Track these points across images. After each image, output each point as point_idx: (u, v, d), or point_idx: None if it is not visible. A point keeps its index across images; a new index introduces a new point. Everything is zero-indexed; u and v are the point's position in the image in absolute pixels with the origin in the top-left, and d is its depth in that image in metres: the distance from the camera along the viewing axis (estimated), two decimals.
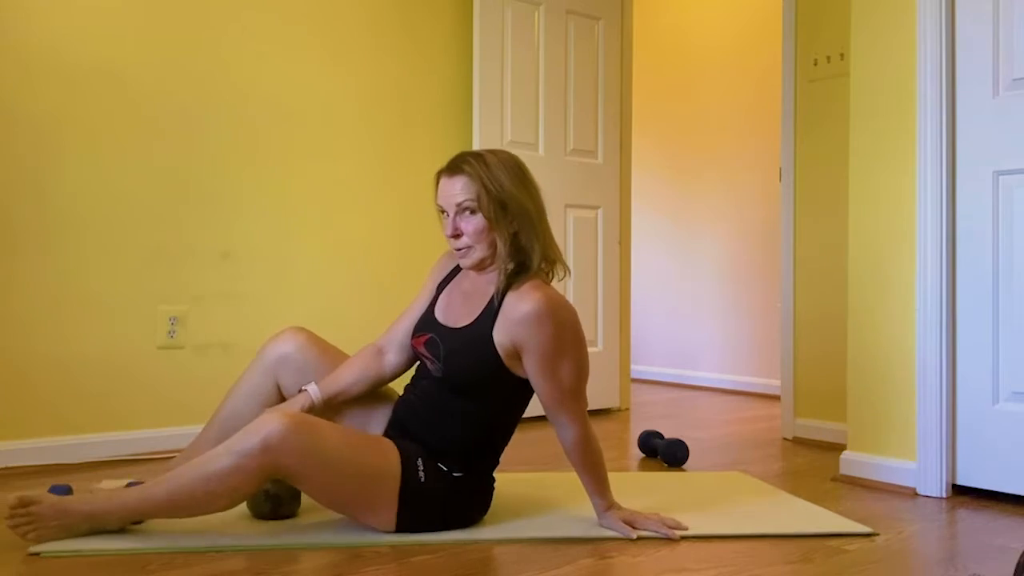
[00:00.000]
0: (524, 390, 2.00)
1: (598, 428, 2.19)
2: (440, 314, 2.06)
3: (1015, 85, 2.38)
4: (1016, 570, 1.46)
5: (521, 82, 3.64)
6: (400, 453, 1.92)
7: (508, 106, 3.60)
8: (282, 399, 2.13)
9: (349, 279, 3.30)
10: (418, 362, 2.10)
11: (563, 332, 1.92)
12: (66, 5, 2.75)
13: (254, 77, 3.09)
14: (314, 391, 2.03)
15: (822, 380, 3.30)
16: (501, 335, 1.92)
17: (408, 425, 2.01)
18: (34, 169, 2.70)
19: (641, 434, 3.07)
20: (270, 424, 1.76)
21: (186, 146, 2.96)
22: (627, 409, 4.07)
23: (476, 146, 3.48)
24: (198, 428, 2.26)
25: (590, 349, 2.92)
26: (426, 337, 2.03)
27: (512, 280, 1.94)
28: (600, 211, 3.91)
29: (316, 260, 3.23)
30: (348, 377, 2.08)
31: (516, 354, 1.93)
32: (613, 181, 3.97)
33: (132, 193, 2.86)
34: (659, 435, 3.03)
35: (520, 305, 1.90)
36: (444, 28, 3.57)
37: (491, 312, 1.95)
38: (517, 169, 1.99)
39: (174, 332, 2.92)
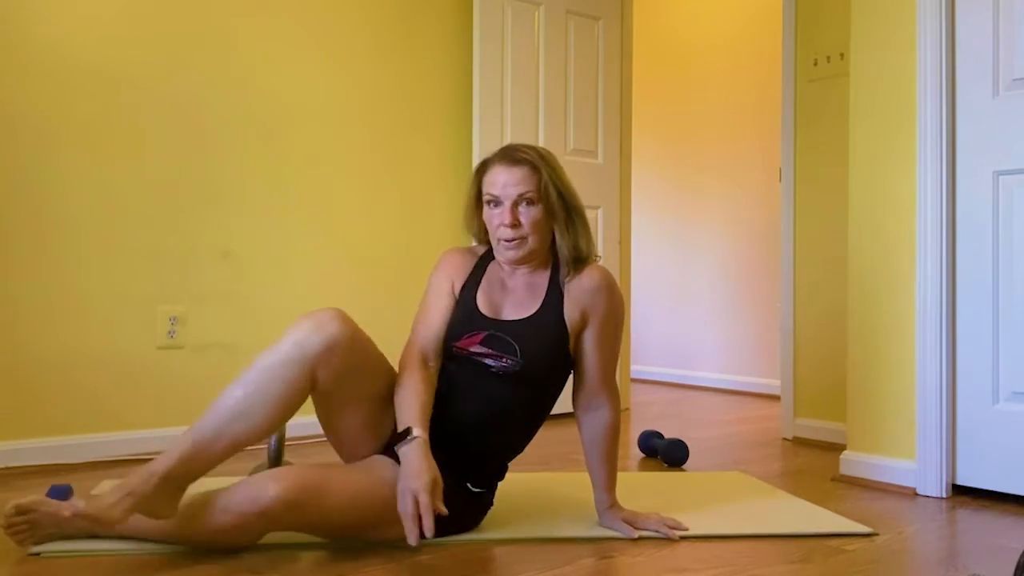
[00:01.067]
0: (567, 377, 2.06)
1: None
2: (488, 311, 1.99)
3: (1015, 85, 2.38)
4: (1016, 570, 1.46)
5: (521, 82, 3.64)
6: None
7: (508, 106, 3.60)
8: (302, 393, 1.78)
9: (349, 279, 3.30)
10: (453, 367, 1.98)
11: (621, 307, 2.03)
12: (65, 7, 2.75)
13: (254, 77, 3.09)
14: (422, 434, 1.79)
15: (822, 380, 3.30)
16: (571, 309, 1.97)
17: (459, 436, 1.91)
18: (33, 169, 2.70)
19: (641, 434, 3.07)
20: (270, 492, 1.69)
21: (186, 147, 2.96)
22: (627, 409, 4.07)
23: (476, 146, 3.49)
24: None
25: None
26: (482, 335, 1.94)
27: (575, 266, 1.99)
28: (600, 211, 3.91)
29: (316, 260, 3.23)
30: (428, 402, 1.88)
31: (582, 327, 1.98)
32: (613, 181, 3.98)
33: (132, 193, 2.86)
34: (659, 435, 3.03)
35: (586, 280, 1.98)
36: (444, 28, 3.57)
37: (556, 295, 1.98)
38: (560, 164, 2.04)
39: (174, 332, 2.92)
